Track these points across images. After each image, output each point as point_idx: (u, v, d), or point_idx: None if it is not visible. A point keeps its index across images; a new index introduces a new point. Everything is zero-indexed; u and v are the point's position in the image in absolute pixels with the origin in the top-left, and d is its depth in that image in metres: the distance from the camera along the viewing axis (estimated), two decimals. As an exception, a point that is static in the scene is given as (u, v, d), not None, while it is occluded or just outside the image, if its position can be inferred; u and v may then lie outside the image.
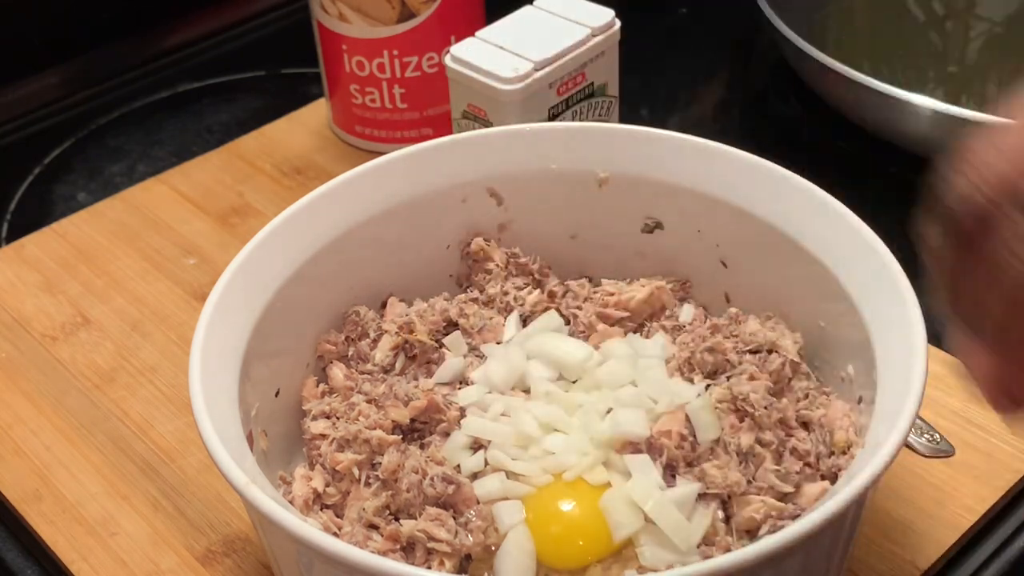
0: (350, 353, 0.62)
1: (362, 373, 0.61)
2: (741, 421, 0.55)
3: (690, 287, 0.65)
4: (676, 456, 0.54)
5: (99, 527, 0.61)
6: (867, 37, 0.97)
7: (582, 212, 0.65)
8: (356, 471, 0.55)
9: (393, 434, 0.56)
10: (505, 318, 0.63)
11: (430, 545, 0.51)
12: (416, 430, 0.58)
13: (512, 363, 0.59)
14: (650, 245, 0.65)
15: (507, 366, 0.59)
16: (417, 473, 0.54)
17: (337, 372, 0.61)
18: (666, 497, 0.52)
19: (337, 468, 0.56)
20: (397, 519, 0.53)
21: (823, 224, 0.57)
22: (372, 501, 0.54)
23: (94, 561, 0.59)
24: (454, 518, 0.53)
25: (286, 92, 0.95)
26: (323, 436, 0.57)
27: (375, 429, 0.56)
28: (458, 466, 0.55)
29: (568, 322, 0.63)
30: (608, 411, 0.56)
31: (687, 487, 0.53)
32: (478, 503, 0.53)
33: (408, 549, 0.52)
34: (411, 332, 0.61)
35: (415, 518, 0.53)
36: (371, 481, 0.55)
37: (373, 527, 0.53)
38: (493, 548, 0.52)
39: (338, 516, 0.55)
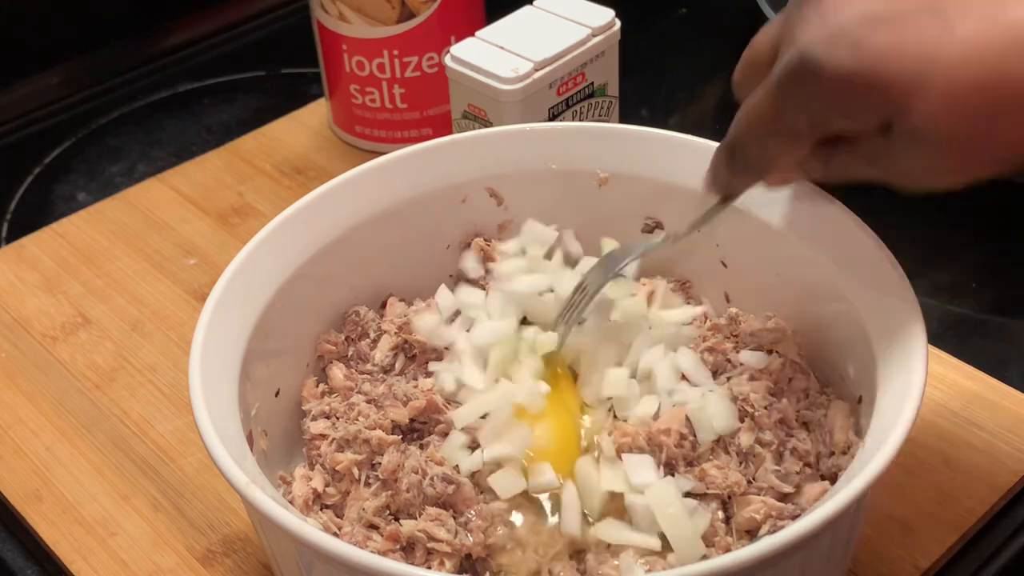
0: (350, 353, 0.62)
1: (362, 373, 0.61)
2: (741, 421, 0.55)
3: (690, 287, 0.65)
4: (676, 455, 0.54)
5: (99, 527, 0.61)
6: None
7: (582, 212, 0.65)
8: (356, 471, 0.55)
9: (393, 434, 0.56)
10: (505, 318, 0.63)
11: (430, 545, 0.51)
12: (416, 430, 0.58)
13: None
14: (650, 245, 0.65)
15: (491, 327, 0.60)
16: (417, 473, 0.54)
17: (337, 372, 0.61)
18: (676, 502, 0.52)
19: (337, 468, 0.56)
20: (397, 519, 0.53)
21: (823, 224, 0.57)
22: (372, 501, 0.54)
23: (94, 561, 0.59)
24: (454, 518, 0.53)
25: (286, 92, 0.95)
26: (323, 436, 0.57)
27: (375, 429, 0.56)
28: (457, 466, 0.55)
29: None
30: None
31: (687, 487, 0.53)
32: (478, 503, 0.53)
33: (408, 549, 0.52)
34: (411, 332, 0.61)
35: (415, 518, 0.53)
36: (371, 481, 0.55)
37: (373, 527, 0.53)
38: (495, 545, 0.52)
39: (338, 516, 0.55)
